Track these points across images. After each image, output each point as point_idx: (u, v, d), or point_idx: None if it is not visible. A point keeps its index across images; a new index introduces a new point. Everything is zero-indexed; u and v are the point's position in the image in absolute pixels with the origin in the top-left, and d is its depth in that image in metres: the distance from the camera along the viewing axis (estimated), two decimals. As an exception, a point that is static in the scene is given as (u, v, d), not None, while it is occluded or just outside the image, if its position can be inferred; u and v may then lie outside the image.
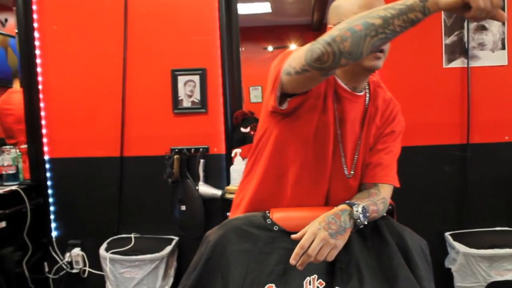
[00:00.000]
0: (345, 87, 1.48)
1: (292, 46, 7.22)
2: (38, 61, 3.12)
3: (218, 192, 2.89)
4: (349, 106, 1.48)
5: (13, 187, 2.90)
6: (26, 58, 3.11)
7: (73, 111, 3.13)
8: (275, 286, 1.31)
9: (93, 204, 3.14)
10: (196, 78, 3.04)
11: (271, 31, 7.37)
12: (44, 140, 3.15)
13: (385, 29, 1.12)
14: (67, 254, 3.14)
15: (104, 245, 2.95)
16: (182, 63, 3.04)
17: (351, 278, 1.30)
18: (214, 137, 3.05)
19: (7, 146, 3.06)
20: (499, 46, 2.91)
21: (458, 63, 2.93)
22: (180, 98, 3.05)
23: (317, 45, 1.20)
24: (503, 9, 2.80)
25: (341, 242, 1.27)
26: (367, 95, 1.55)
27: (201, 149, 3.01)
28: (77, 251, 3.14)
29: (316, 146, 1.46)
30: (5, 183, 2.98)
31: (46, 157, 3.16)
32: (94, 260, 3.05)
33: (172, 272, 2.96)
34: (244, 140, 2.95)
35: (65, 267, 3.15)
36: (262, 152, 1.54)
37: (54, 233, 3.19)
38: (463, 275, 2.71)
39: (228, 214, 2.51)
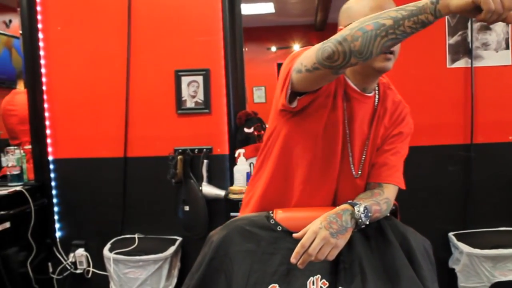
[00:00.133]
0: (355, 87, 1.49)
1: (296, 46, 7.22)
2: (42, 62, 3.13)
3: (222, 193, 2.89)
4: (358, 106, 1.49)
5: (17, 188, 2.91)
6: (30, 59, 3.12)
7: (77, 112, 3.13)
8: (279, 286, 1.32)
9: (97, 205, 3.15)
10: (200, 79, 3.04)
11: (274, 32, 7.38)
12: (48, 140, 3.15)
13: (396, 30, 1.13)
14: (71, 255, 3.15)
15: (108, 246, 2.96)
16: (186, 63, 3.05)
17: (354, 278, 1.30)
18: (217, 137, 3.05)
19: (11, 147, 3.07)
20: (503, 46, 2.90)
21: (462, 63, 2.92)
22: (183, 99, 3.05)
23: (329, 43, 1.22)
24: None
25: (342, 241, 1.27)
26: (377, 96, 1.55)
27: (204, 150, 3.01)
28: (81, 251, 3.15)
29: (325, 145, 1.47)
30: (10, 184, 2.99)
31: (50, 158, 3.17)
32: (98, 261, 3.05)
33: (175, 272, 2.96)
34: (248, 140, 2.95)
35: (69, 267, 3.15)
36: (271, 151, 1.55)
37: (58, 234, 3.20)
38: (467, 275, 2.70)
39: (232, 214, 2.54)
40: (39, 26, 3.11)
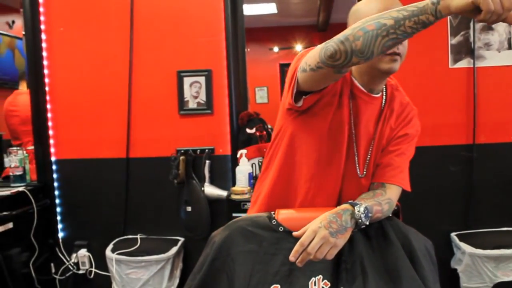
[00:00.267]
0: (361, 88, 1.50)
1: (298, 47, 7.22)
2: (45, 63, 3.13)
3: (224, 193, 2.90)
4: (364, 106, 1.50)
5: (20, 188, 2.92)
6: (33, 60, 3.13)
7: (80, 113, 3.14)
8: (280, 286, 1.32)
9: (100, 205, 3.15)
10: (202, 79, 3.04)
11: (276, 32, 7.38)
12: (51, 141, 3.16)
13: (397, 30, 1.14)
14: (74, 255, 3.16)
15: (110, 246, 2.97)
16: (188, 64, 3.05)
17: (356, 278, 1.30)
18: (219, 138, 3.05)
19: (14, 148, 3.08)
20: (505, 46, 2.90)
21: (464, 63, 2.92)
22: (185, 99, 3.06)
23: (331, 43, 1.23)
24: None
25: (341, 241, 1.28)
26: (384, 97, 1.56)
27: (206, 150, 3.02)
28: (83, 252, 3.16)
29: (330, 144, 1.48)
30: (12, 184, 3.00)
31: (53, 159, 3.18)
32: (101, 261, 3.06)
33: (178, 273, 2.97)
34: (250, 141, 2.95)
35: (71, 268, 3.16)
36: (278, 150, 1.57)
37: (60, 234, 3.21)
38: (469, 276, 2.70)
39: (233, 214, 2.54)
40: (42, 27, 3.12)
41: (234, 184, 2.89)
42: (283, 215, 1.45)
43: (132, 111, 3.09)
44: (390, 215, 1.49)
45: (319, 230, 1.25)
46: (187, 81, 3.05)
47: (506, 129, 2.92)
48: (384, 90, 1.57)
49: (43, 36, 3.13)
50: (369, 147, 1.53)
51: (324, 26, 6.91)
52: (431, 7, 1.08)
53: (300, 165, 1.52)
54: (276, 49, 7.53)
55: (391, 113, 1.56)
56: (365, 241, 1.38)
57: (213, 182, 3.03)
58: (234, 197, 2.66)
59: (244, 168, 2.77)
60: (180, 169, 2.95)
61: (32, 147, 3.20)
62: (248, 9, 5.28)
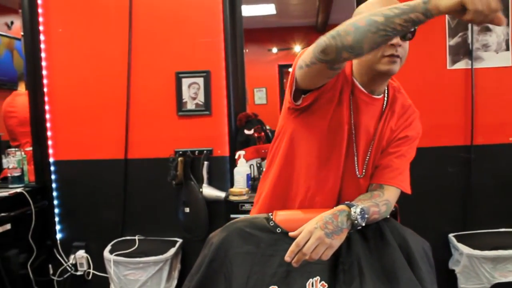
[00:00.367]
0: (362, 89, 1.51)
1: (297, 48, 7.22)
2: (43, 64, 3.14)
3: (222, 194, 2.89)
4: (365, 107, 1.51)
5: (18, 190, 2.92)
6: (32, 61, 3.13)
7: (78, 114, 3.14)
8: (278, 287, 1.32)
9: (98, 207, 3.15)
10: (200, 81, 3.04)
11: (275, 33, 7.37)
12: (49, 142, 3.16)
13: (387, 26, 1.15)
14: (72, 256, 3.16)
15: (109, 247, 2.97)
16: (186, 65, 3.05)
17: (353, 280, 1.30)
18: (218, 139, 3.05)
19: (12, 149, 3.08)
20: (503, 47, 2.91)
21: (462, 64, 2.93)
22: (184, 101, 3.06)
23: (324, 38, 1.25)
24: (507, 10, 2.81)
25: (337, 242, 1.28)
26: (385, 98, 1.56)
27: (205, 151, 3.02)
28: (81, 253, 3.16)
29: (330, 143, 1.49)
30: (10, 186, 3.01)
31: (51, 160, 3.17)
32: (99, 262, 3.06)
33: (176, 274, 2.97)
34: (248, 142, 2.96)
35: (69, 269, 3.16)
36: (279, 149, 1.58)
37: (58, 235, 3.20)
38: (467, 277, 2.70)
39: (232, 216, 2.54)
40: (41, 28, 3.12)
41: (232, 185, 2.89)
42: (281, 217, 1.45)
43: (131, 112, 3.09)
44: (388, 216, 1.49)
45: (315, 230, 1.25)
46: (185, 82, 3.05)
47: (504, 130, 2.92)
48: (386, 91, 1.57)
49: (42, 37, 3.13)
50: (368, 147, 1.53)
51: (323, 27, 6.90)
52: (422, 6, 1.10)
53: (300, 165, 1.53)
54: (275, 50, 7.53)
55: (392, 114, 1.56)
56: (362, 242, 1.38)
57: (211, 183, 3.03)
58: (232, 198, 2.66)
59: (242, 169, 2.77)
60: (178, 170, 2.95)
61: (30, 148, 3.20)
62: (247, 10, 5.28)
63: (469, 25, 2.90)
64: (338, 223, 1.28)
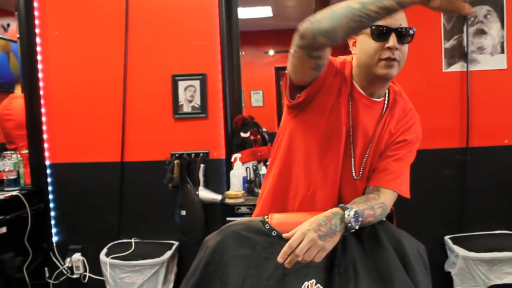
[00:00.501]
0: (361, 91, 1.52)
1: (293, 50, 7.22)
2: (39, 66, 3.13)
3: (218, 197, 2.90)
4: (363, 109, 1.52)
5: (14, 193, 2.91)
6: (28, 64, 3.12)
7: (74, 117, 3.14)
8: (273, 291, 1.32)
9: (94, 209, 3.15)
10: (197, 83, 3.05)
11: (272, 35, 7.38)
12: (45, 145, 3.16)
13: (361, 13, 1.18)
14: (68, 259, 3.15)
15: (105, 250, 2.96)
16: (183, 68, 3.06)
17: (348, 282, 1.30)
18: (214, 142, 3.06)
19: (8, 152, 3.07)
20: (498, 50, 2.92)
21: (458, 67, 2.94)
22: (180, 103, 3.06)
23: (303, 23, 1.29)
24: (501, 13, 2.82)
25: (329, 244, 1.28)
26: (386, 102, 1.57)
27: (201, 154, 3.02)
28: (77, 256, 3.15)
29: (328, 144, 1.50)
30: (6, 189, 2.99)
31: (47, 163, 3.17)
32: (95, 265, 3.05)
33: (172, 277, 2.96)
34: (244, 145, 2.96)
35: (65, 272, 3.15)
36: (279, 149, 1.60)
37: (54, 238, 3.20)
38: (462, 279, 2.71)
39: (228, 218, 2.54)
40: (37, 30, 3.12)
41: (228, 188, 2.89)
42: (276, 220, 1.45)
43: (127, 115, 3.09)
44: (384, 219, 1.50)
45: (308, 232, 1.26)
46: (181, 85, 3.05)
47: (499, 133, 2.94)
48: (387, 95, 1.58)
49: (38, 40, 3.12)
50: (366, 149, 1.54)
51: (319, 30, 6.92)
52: None
53: (299, 164, 1.54)
54: (271, 52, 7.54)
55: (392, 118, 1.56)
56: (358, 245, 1.39)
57: (207, 186, 3.03)
58: (228, 201, 2.66)
59: (238, 172, 2.77)
60: (174, 173, 2.95)
61: (27, 151, 3.19)
62: (243, 13, 5.28)
63: (465, 28, 2.91)
64: (332, 226, 1.29)
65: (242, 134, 2.96)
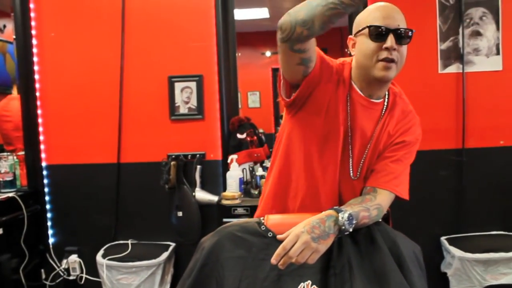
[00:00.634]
0: (360, 92, 1.52)
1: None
2: (35, 68, 3.13)
3: (215, 198, 2.90)
4: (362, 111, 1.52)
5: (10, 194, 2.90)
6: (24, 65, 3.12)
7: (71, 118, 3.13)
8: (269, 291, 1.32)
9: (90, 211, 3.14)
10: (193, 85, 3.05)
11: (269, 37, 7.30)
12: (42, 146, 3.15)
13: (336, 0, 1.21)
14: (64, 261, 3.14)
15: (101, 252, 2.95)
16: (179, 69, 3.06)
17: (344, 283, 1.30)
18: (210, 143, 3.06)
19: (4, 153, 3.06)
20: (494, 52, 2.93)
21: (453, 68, 2.95)
22: (177, 105, 3.06)
23: (282, 17, 1.31)
24: (497, 15, 2.83)
25: (323, 246, 1.28)
26: (385, 103, 1.57)
27: (197, 155, 3.02)
28: (74, 257, 3.15)
29: (326, 144, 1.50)
30: (2, 190, 2.98)
31: (43, 164, 3.16)
32: (91, 267, 3.04)
33: (169, 278, 2.96)
34: (240, 146, 2.96)
35: (62, 274, 3.15)
36: (279, 149, 1.61)
37: (51, 240, 3.19)
38: (458, 279, 2.71)
39: (224, 219, 2.54)
40: (33, 32, 3.11)
41: (224, 189, 2.90)
42: (272, 221, 1.45)
43: (123, 116, 3.09)
44: (380, 220, 1.50)
45: (301, 234, 1.26)
46: (178, 86, 3.06)
47: (495, 134, 2.95)
48: (387, 96, 1.58)
49: (34, 41, 3.12)
50: (364, 150, 1.55)
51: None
52: None
53: (298, 164, 1.54)
54: (268, 53, 7.52)
55: (391, 119, 1.57)
56: (353, 246, 1.39)
57: (204, 187, 3.03)
58: (224, 202, 2.66)
59: (234, 173, 2.78)
60: (171, 174, 2.95)
61: (23, 153, 3.18)
62: (240, 14, 5.28)
63: (460, 30, 2.92)
64: (325, 228, 1.29)
65: (239, 135, 2.97)
